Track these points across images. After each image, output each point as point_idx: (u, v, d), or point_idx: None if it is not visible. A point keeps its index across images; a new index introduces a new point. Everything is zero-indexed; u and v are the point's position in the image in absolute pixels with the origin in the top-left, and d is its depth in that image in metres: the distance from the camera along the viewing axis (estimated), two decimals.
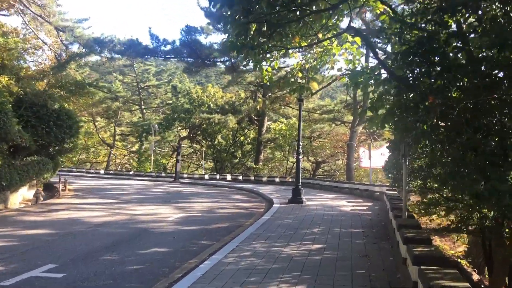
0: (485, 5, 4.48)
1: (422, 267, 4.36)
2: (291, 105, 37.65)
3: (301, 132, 16.79)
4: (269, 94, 34.28)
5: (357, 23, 19.77)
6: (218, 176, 32.70)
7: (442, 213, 9.63)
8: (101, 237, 9.60)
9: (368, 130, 30.97)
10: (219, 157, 41.45)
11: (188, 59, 21.21)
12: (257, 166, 37.88)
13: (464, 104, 3.94)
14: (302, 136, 18.15)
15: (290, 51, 8.67)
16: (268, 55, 8.16)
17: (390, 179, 11.90)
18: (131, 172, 40.59)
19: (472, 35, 4.61)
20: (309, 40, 8.17)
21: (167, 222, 11.92)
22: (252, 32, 6.80)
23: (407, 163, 8.09)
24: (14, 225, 11.18)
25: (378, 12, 8.64)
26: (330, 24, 7.57)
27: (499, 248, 7.20)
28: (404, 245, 5.84)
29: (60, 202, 16.49)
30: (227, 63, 22.38)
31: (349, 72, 7.56)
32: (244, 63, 8.29)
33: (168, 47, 21.35)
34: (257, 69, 8.59)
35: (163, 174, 37.23)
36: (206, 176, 33.80)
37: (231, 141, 42.44)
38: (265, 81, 9.06)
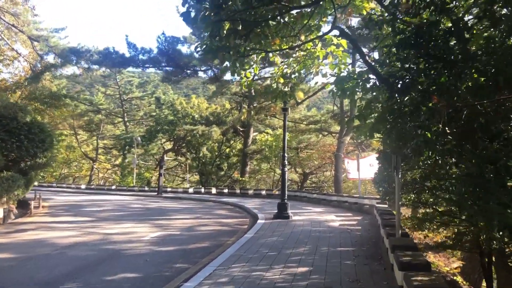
0: None
1: None
2: (277, 116, 37.06)
3: (288, 143, 16.10)
4: (254, 104, 33.58)
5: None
6: (203, 190, 31.90)
7: (437, 228, 8.93)
8: (66, 261, 8.67)
9: (356, 140, 30.44)
10: (204, 169, 40.48)
11: (167, 68, 20.40)
12: (243, 179, 37.01)
13: (476, 105, 3.23)
14: (289, 147, 17.48)
15: (271, 54, 7.96)
16: (246, 60, 7.44)
17: (380, 193, 11.18)
18: (113, 187, 39.33)
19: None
20: (290, 43, 7.48)
21: (142, 242, 11.00)
22: (225, 31, 6.07)
23: (399, 176, 7.39)
24: None
25: (364, 13, 8.01)
26: (313, 24, 6.89)
27: (502, 270, 6.50)
28: (401, 271, 5.09)
29: (30, 221, 15.42)
30: (209, 72, 21.65)
31: (335, 77, 6.91)
32: (223, 67, 7.53)
33: (146, 56, 20.53)
34: (235, 75, 7.86)
35: (146, 189, 36.11)
36: (191, 190, 32.91)
37: (216, 153, 41.56)
38: (243, 88, 8.32)
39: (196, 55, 19.69)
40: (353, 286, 6.22)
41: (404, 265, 5.06)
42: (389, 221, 8.82)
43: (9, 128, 16.21)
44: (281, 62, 8.77)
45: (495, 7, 3.90)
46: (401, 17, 4.14)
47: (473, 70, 3.37)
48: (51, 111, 22.77)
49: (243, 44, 6.75)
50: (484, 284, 10.42)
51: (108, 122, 51.63)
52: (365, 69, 6.68)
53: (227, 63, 7.14)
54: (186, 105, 41.16)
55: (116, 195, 32.42)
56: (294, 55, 8.28)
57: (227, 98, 40.15)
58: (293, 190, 30.41)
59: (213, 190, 31.15)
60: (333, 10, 6.74)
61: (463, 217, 7.49)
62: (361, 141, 30.32)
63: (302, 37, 7.51)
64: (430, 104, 3.24)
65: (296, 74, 8.81)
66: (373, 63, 6.35)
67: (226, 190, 30.80)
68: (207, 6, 5.62)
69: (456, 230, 8.57)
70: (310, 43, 7.77)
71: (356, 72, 6.78)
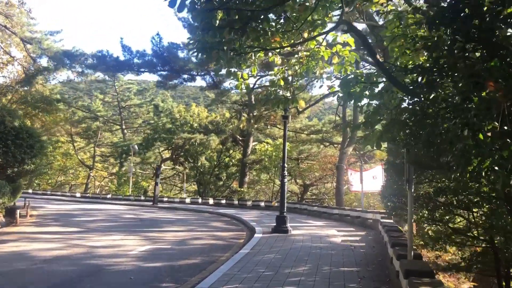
0: None
1: None
2: (277, 125, 36.35)
3: (288, 153, 15.32)
4: (254, 113, 32.81)
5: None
6: (200, 200, 31.20)
7: (452, 247, 8.10)
8: (42, 278, 7.84)
9: (358, 151, 29.63)
10: (202, 179, 39.64)
11: (162, 72, 19.65)
12: (242, 189, 36.14)
13: None
14: (289, 157, 16.68)
15: (270, 54, 7.22)
16: (242, 59, 6.67)
17: (387, 207, 10.34)
18: (109, 196, 38.46)
19: None
20: (292, 40, 6.74)
21: (128, 257, 10.15)
22: (218, 22, 5.33)
23: (412, 189, 6.60)
24: None
25: (374, 9, 7.31)
26: (317, 17, 6.15)
27: None
28: None
29: (14, 231, 14.56)
30: (208, 78, 20.91)
31: (340, 80, 6.17)
32: (217, 66, 6.76)
33: (141, 59, 19.75)
34: (231, 76, 7.10)
35: (142, 198, 35.26)
36: (188, 200, 32.12)
37: (215, 163, 40.74)
38: (239, 90, 7.56)
39: (194, 60, 18.99)
40: None
41: None
42: (398, 239, 8.00)
43: None
44: (282, 64, 8.03)
45: None
46: None
47: None
48: (43, 116, 21.97)
49: (239, 39, 6.01)
50: None
51: (106, 129, 50.93)
52: (373, 71, 5.96)
53: (221, 62, 6.38)
54: (186, 113, 40.48)
55: (111, 204, 31.61)
56: (296, 56, 7.55)
57: (227, 107, 39.50)
58: (293, 202, 29.57)
59: (211, 201, 30.38)
60: (339, 3, 6.03)
61: (481, 237, 6.70)
62: (364, 153, 29.52)
63: (305, 34, 6.78)
64: (484, 94, 2.46)
65: (299, 77, 8.09)
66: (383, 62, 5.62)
67: (223, 201, 30.03)
68: None
69: (472, 250, 7.76)
70: (314, 42, 7.04)
71: (364, 74, 6.06)
